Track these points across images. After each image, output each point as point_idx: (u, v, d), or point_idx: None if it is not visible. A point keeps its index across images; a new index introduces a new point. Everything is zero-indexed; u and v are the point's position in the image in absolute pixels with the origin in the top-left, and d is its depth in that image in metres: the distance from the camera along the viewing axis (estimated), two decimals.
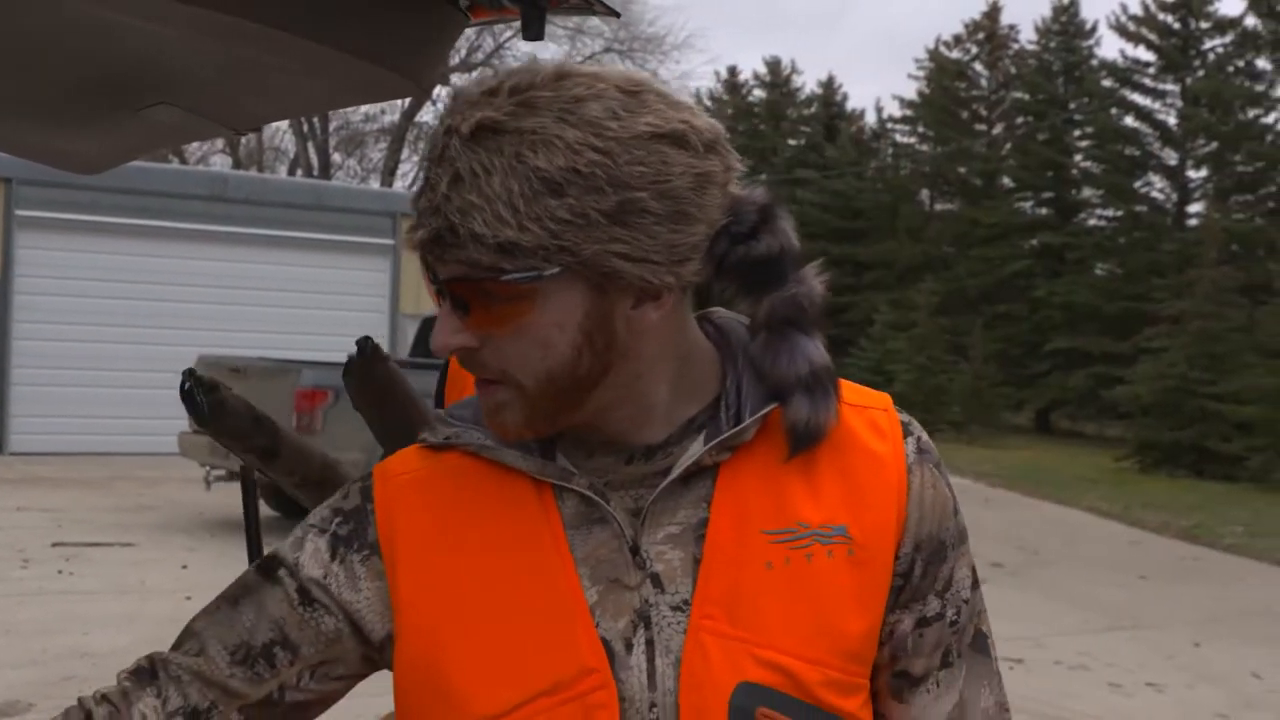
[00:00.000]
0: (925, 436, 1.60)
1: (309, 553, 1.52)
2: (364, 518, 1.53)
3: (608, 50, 44.65)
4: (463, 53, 44.01)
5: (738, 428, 1.47)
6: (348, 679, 1.54)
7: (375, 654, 1.51)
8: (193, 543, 13.07)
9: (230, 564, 10.60)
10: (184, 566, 11.78)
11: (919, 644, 1.57)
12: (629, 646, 1.42)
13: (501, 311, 1.37)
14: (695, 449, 1.47)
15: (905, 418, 1.59)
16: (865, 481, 1.51)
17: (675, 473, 1.45)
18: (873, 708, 1.56)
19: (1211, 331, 28.26)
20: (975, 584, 1.68)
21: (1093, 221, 42.81)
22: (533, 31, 1.54)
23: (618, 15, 1.57)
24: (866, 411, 1.57)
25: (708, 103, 57.67)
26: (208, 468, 14.20)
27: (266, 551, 1.56)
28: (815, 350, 1.52)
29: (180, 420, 14.92)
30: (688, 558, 1.45)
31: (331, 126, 45.69)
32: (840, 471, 1.51)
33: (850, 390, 1.58)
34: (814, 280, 1.53)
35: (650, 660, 1.42)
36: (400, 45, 1.61)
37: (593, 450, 1.49)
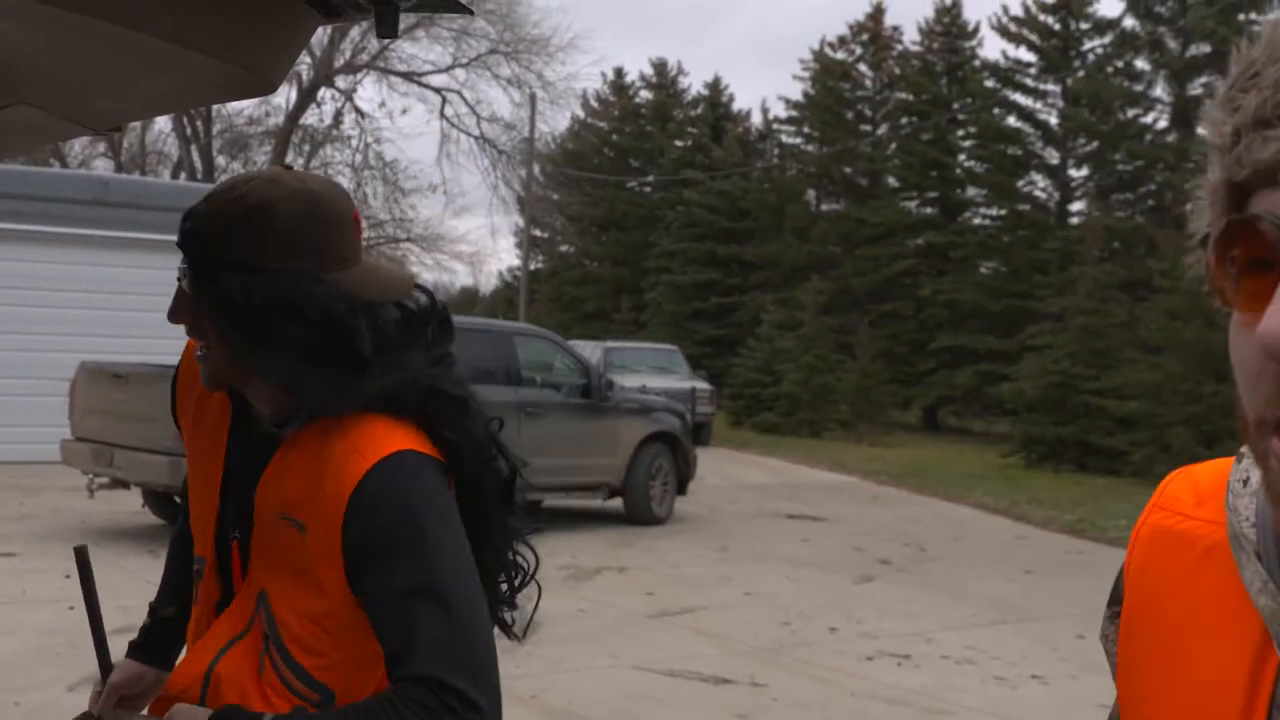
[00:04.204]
0: None
1: None
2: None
3: (493, 52, 44.61)
4: (348, 54, 43.74)
5: None
6: None
7: None
8: None
9: (113, 574, 10.36)
10: (66, 576, 11.57)
11: None
12: None
13: None
14: None
15: None
16: None
17: None
18: None
19: (1093, 328, 28.63)
20: None
21: (977, 220, 43.22)
22: (387, 28, 1.53)
23: (471, 13, 1.57)
24: None
25: (594, 104, 57.73)
26: (91, 475, 13.99)
27: None
28: None
29: (63, 428, 14.69)
30: None
31: (215, 129, 45.25)
32: None
33: None
34: None
35: None
36: (251, 43, 1.60)
37: None
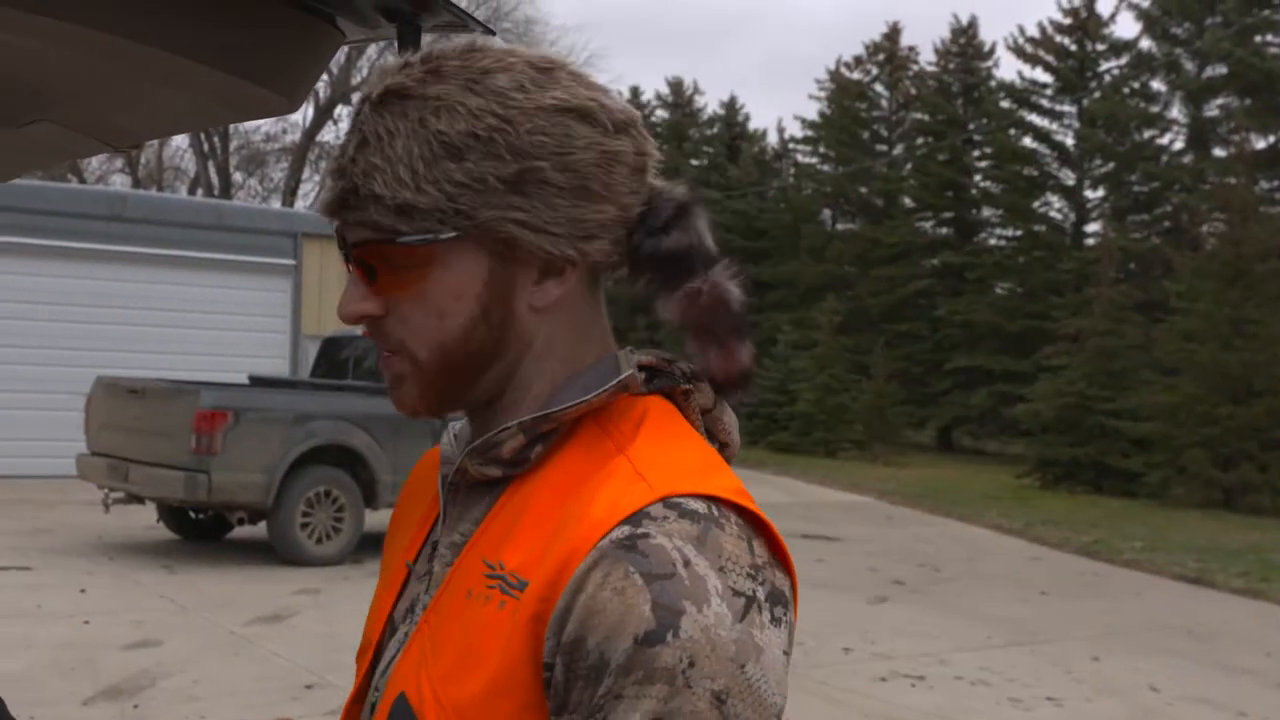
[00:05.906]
0: (670, 545, 1.21)
1: None
2: None
3: None
4: (364, 71, 43.82)
5: (490, 434, 1.39)
6: None
7: None
8: (91, 566, 12.88)
9: (129, 588, 10.38)
10: (82, 590, 11.61)
11: None
12: (394, 631, 1.47)
13: (404, 276, 1.36)
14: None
15: (665, 513, 1.24)
16: (561, 538, 1.28)
17: (449, 478, 1.45)
18: None
19: (1109, 349, 28.60)
20: None
21: (992, 241, 43.24)
22: (409, 49, 1.55)
23: (493, 33, 1.58)
24: (639, 483, 1.27)
25: None
26: (106, 490, 14.00)
27: None
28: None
29: (78, 442, 14.72)
30: (448, 566, 1.41)
31: (232, 146, 45.37)
32: (558, 521, 1.30)
33: (665, 457, 1.33)
34: (726, 280, 1.53)
35: (398, 648, 1.42)
36: (273, 62, 1.61)
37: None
